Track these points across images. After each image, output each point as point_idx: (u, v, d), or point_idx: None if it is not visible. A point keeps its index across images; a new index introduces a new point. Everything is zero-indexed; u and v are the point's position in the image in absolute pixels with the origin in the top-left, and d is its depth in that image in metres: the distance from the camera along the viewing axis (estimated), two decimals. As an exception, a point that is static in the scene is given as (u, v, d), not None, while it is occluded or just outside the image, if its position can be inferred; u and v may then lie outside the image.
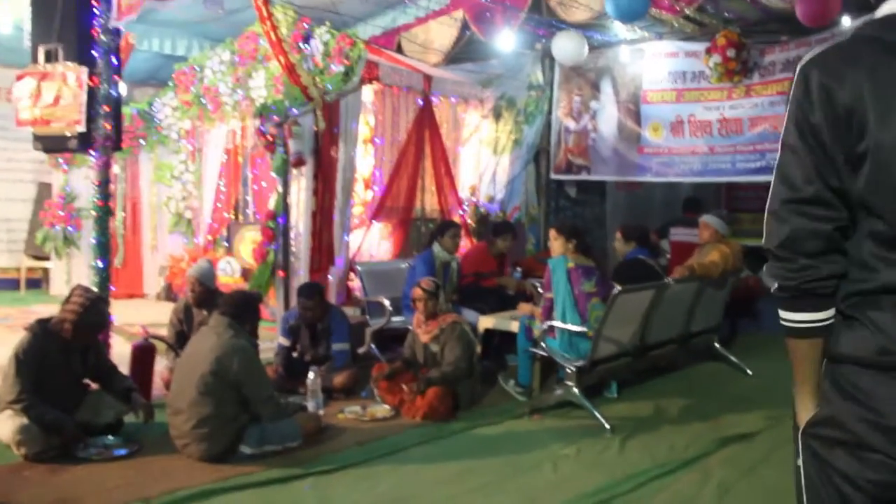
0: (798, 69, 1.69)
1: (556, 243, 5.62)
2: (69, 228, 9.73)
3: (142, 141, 9.46)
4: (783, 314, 1.73)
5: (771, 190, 1.72)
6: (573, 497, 3.99)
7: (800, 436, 1.73)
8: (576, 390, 5.43)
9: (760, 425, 5.21)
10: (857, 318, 1.63)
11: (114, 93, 5.20)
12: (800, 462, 1.73)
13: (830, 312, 1.68)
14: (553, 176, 9.47)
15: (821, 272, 1.66)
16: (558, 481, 4.28)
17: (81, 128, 5.10)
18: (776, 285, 1.71)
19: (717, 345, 6.96)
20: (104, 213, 5.28)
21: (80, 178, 9.75)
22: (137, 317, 7.68)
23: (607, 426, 5.16)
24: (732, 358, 6.84)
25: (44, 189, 10.27)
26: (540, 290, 6.40)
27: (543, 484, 4.24)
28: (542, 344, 5.54)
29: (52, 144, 5.39)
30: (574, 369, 5.38)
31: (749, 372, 6.65)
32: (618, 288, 5.34)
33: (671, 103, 8.41)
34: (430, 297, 5.60)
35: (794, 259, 1.67)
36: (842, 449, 1.63)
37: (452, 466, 4.47)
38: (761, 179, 7.67)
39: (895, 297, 1.59)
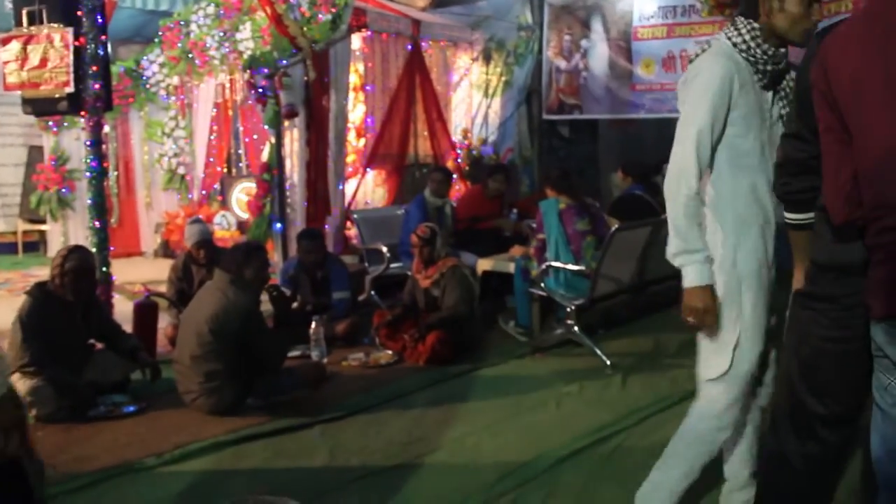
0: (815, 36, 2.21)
1: (551, 193, 5.67)
2: (63, 190, 9.70)
3: (130, 99, 9.38)
4: (786, 214, 2.34)
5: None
6: (579, 434, 4.06)
7: (792, 295, 2.33)
8: (576, 329, 5.50)
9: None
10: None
11: (101, 52, 5.15)
12: (787, 313, 2.36)
13: (810, 215, 2.22)
14: (545, 116, 9.43)
15: (793, 187, 2.26)
16: (563, 419, 4.37)
17: (70, 89, 5.07)
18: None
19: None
20: (98, 173, 5.27)
21: (71, 140, 9.68)
22: (137, 275, 7.71)
23: (608, 363, 5.24)
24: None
25: (35, 152, 10.20)
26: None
27: (548, 422, 4.32)
28: (541, 284, 5.59)
29: (41, 107, 5.36)
30: (573, 308, 5.44)
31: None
32: (615, 225, 5.37)
33: (662, 39, 8.33)
34: (425, 244, 5.63)
35: (781, 176, 2.33)
36: (808, 311, 2.20)
37: (458, 408, 4.55)
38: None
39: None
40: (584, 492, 3.43)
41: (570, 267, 5.44)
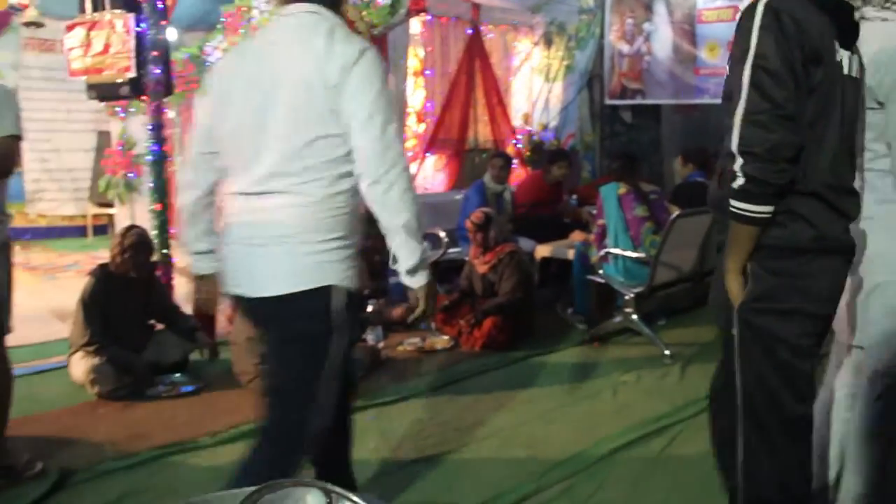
0: (764, 4, 2.03)
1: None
2: (130, 175, 9.88)
3: (195, 86, 9.50)
4: (747, 206, 2.07)
5: (746, 101, 2.03)
6: (635, 423, 3.99)
7: (735, 313, 2.19)
8: (635, 317, 5.40)
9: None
10: (798, 213, 2.11)
11: (162, 37, 5.21)
12: (734, 332, 2.21)
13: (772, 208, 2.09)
14: (607, 101, 9.26)
15: (790, 175, 2.05)
16: (618, 408, 4.30)
17: (132, 74, 5.14)
18: (746, 182, 2.04)
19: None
20: (159, 157, 5.35)
21: (138, 126, 9.83)
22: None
23: (667, 352, 5.14)
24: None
25: (104, 137, 10.40)
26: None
27: (603, 411, 4.26)
28: (599, 271, 5.50)
29: (105, 92, 5.47)
30: (633, 295, 5.34)
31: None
32: (676, 212, 5.25)
33: (728, 21, 8.08)
34: (478, 230, 5.59)
35: (777, 162, 2.02)
36: (772, 315, 2.14)
37: (512, 395, 4.51)
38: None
39: (815, 197, 2.11)
40: (637, 484, 3.37)
41: (629, 254, 5.34)
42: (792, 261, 2.13)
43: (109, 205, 10.43)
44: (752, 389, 2.22)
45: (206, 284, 2.67)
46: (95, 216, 10.60)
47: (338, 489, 1.30)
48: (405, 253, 2.33)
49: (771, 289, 2.15)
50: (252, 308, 2.48)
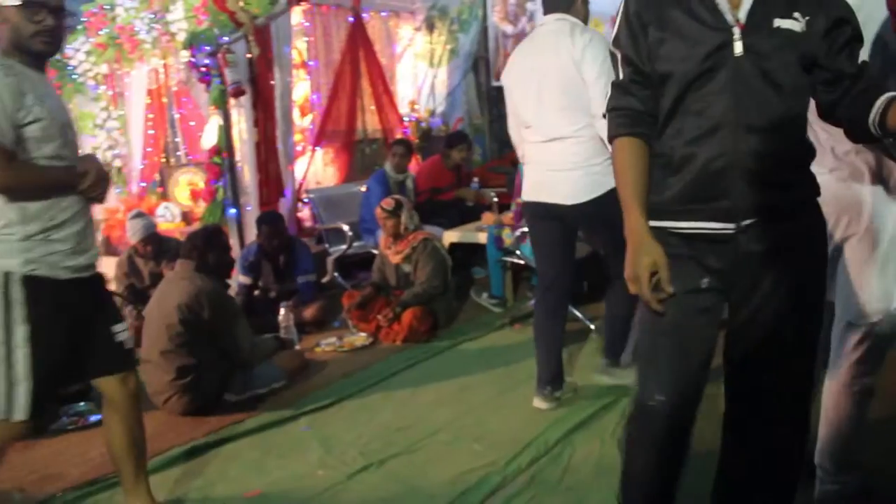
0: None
1: None
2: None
3: (58, 91, 8.85)
4: None
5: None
6: (582, 402, 3.88)
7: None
8: (556, 295, 5.30)
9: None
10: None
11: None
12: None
13: None
14: (494, 83, 9.19)
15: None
16: (559, 388, 4.17)
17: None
18: None
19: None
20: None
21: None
22: (81, 276, 7.28)
23: (592, 327, 5.07)
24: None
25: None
26: (496, 199, 6.26)
27: (545, 392, 4.12)
28: (517, 251, 5.38)
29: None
30: (553, 274, 5.24)
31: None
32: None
33: (611, -6, 8.17)
34: (389, 216, 5.38)
35: None
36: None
37: (447, 386, 4.33)
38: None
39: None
40: (601, 462, 3.24)
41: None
42: None
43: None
44: None
45: None
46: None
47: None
48: None
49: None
50: (549, 210, 3.66)
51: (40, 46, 2.59)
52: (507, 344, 5.04)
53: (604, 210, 3.40)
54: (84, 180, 2.65)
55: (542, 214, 3.72)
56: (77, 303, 2.68)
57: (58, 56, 8.46)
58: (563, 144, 3.53)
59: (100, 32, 8.33)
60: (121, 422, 2.87)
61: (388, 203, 5.45)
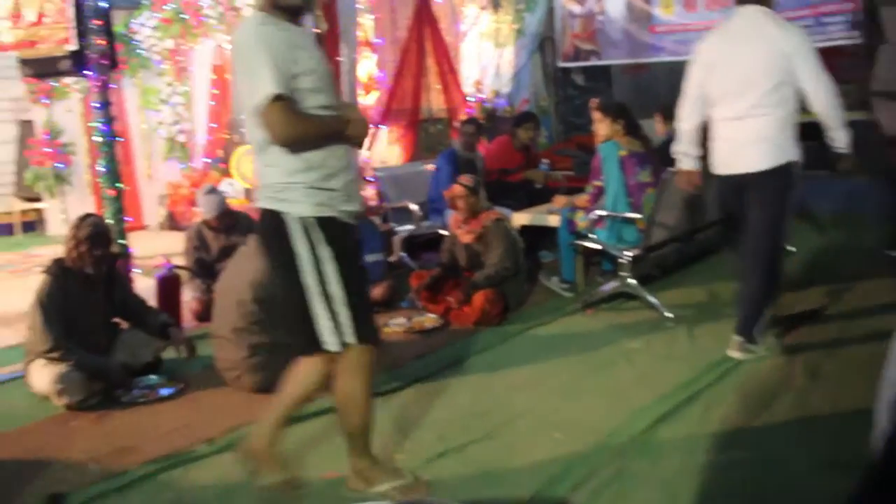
0: None
1: (602, 125, 5.22)
2: (59, 165, 9.23)
3: (123, 66, 8.89)
4: None
5: None
6: (664, 393, 3.73)
7: None
8: (632, 280, 5.14)
9: (822, 301, 4.99)
10: None
11: (103, 4, 4.69)
12: None
13: None
14: (561, 64, 9.01)
15: None
16: (639, 376, 4.03)
17: (73, 46, 4.61)
18: None
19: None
20: (109, 138, 4.83)
21: (63, 112, 9.21)
22: (146, 249, 7.29)
23: (670, 315, 4.90)
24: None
25: (26, 127, 9.70)
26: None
27: (625, 380, 4.00)
28: (591, 235, 5.22)
29: (41, 68, 4.90)
30: (629, 259, 5.08)
31: (792, 249, 6.31)
32: (669, 169, 4.99)
33: (684, -25, 7.92)
34: (470, 193, 5.25)
35: None
36: None
37: (524, 371, 4.20)
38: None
39: None
40: (691, 453, 3.09)
41: (630, 215, 5.05)
42: None
43: (37, 199, 9.77)
44: None
45: (689, 175, 4.30)
46: (23, 212, 9.89)
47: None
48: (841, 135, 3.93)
49: None
50: (736, 180, 4.06)
51: (296, 1, 2.69)
52: (580, 330, 4.90)
53: (780, 180, 3.95)
54: (351, 127, 2.74)
55: (734, 188, 4.10)
56: (354, 245, 2.86)
57: (123, 29, 8.50)
58: (756, 121, 3.94)
59: (165, 7, 8.35)
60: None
61: (467, 179, 5.33)
